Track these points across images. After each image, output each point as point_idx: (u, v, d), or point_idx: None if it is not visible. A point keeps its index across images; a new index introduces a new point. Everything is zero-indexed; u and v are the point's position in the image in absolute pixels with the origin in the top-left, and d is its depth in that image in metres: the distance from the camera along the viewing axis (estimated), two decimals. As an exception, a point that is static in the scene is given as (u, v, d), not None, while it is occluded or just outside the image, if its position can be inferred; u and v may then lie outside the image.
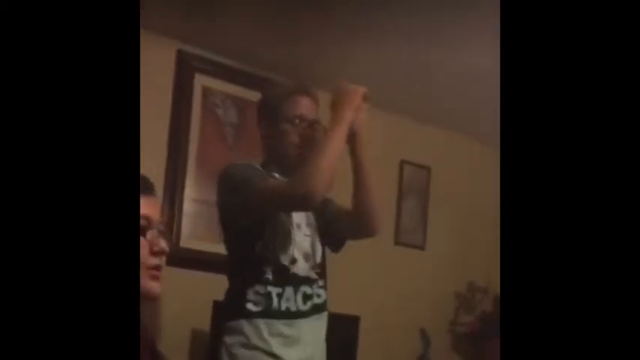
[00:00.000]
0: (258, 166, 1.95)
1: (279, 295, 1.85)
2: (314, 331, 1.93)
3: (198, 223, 3.01)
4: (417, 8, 2.57)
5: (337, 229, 2.01)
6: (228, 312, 1.89)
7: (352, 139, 1.89)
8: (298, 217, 1.94)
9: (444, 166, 3.75)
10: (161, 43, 2.95)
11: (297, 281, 1.89)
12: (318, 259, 1.98)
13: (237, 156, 3.13)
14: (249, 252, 1.87)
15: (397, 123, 3.60)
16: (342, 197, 1.98)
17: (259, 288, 1.84)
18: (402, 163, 3.67)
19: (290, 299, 1.86)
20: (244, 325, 1.83)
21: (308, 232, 1.96)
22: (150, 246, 1.15)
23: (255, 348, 1.82)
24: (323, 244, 2.01)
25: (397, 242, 3.65)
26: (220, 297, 1.96)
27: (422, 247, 3.72)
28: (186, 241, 2.99)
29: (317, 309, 1.93)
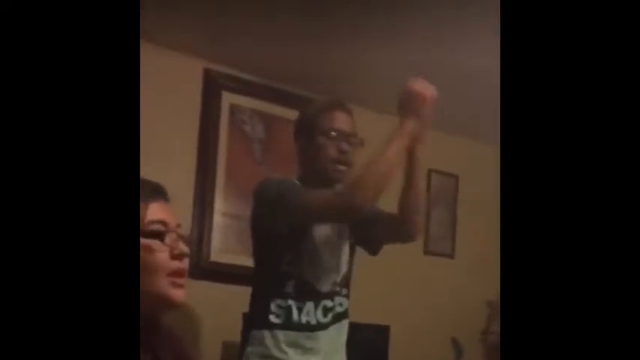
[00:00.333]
0: (295, 180, 1.96)
1: (300, 309, 1.87)
2: (333, 341, 1.95)
3: (227, 237, 3.06)
4: (442, 10, 2.57)
5: (376, 232, 2.01)
6: (252, 322, 1.93)
7: (413, 142, 1.89)
8: (327, 229, 1.95)
9: (471, 174, 3.74)
10: (188, 63, 3.02)
11: (319, 296, 1.91)
12: (344, 271, 1.99)
13: (266, 170, 3.18)
14: (276, 266, 1.89)
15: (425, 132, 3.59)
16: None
17: (281, 301, 1.86)
18: (430, 172, 3.67)
19: (310, 313, 1.88)
20: (266, 335, 1.86)
21: (336, 245, 1.97)
22: (170, 250, 1.14)
23: (274, 358, 1.84)
24: (353, 252, 2.02)
25: (426, 251, 3.64)
26: (250, 309, 1.99)
27: (451, 256, 3.71)
28: (217, 255, 3.04)
29: (338, 318, 1.95)
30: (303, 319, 1.87)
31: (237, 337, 2.48)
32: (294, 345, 1.86)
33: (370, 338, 2.91)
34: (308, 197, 1.83)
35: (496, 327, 3.67)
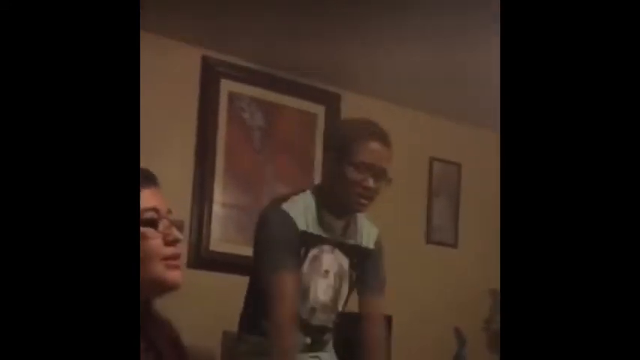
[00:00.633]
0: (307, 202, 1.90)
1: None
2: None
3: (227, 226, 3.03)
4: (442, 9, 2.55)
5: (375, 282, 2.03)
6: (245, 326, 1.97)
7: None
8: (329, 264, 1.93)
9: (475, 163, 3.71)
10: (186, 50, 2.98)
11: (307, 330, 1.93)
12: (340, 308, 2.00)
13: (265, 159, 3.15)
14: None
15: (426, 120, 3.57)
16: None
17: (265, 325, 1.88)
18: (432, 160, 3.64)
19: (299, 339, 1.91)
20: (258, 341, 1.90)
21: (334, 281, 1.96)
22: (163, 237, 1.14)
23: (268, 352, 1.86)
24: (351, 289, 2.02)
25: (429, 241, 3.61)
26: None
27: (454, 245, 3.68)
28: (216, 244, 3.01)
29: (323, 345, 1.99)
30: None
31: (237, 327, 2.47)
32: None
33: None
34: (271, 282, 1.83)
35: (499, 316, 3.65)
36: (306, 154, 3.23)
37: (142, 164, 1.12)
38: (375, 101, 3.32)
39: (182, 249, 1.22)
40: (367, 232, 2.01)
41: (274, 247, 1.84)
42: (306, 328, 1.91)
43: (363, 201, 1.85)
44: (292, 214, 1.84)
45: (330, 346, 2.02)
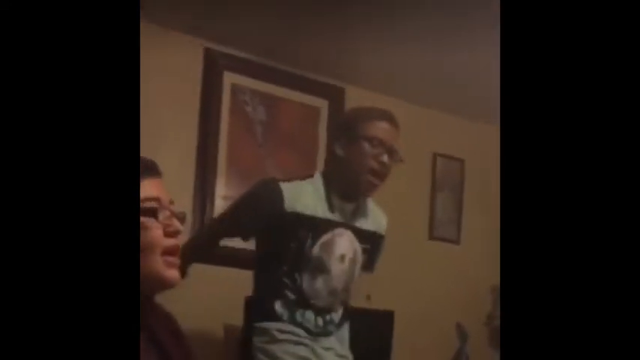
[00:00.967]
0: (314, 181, 1.91)
1: (302, 315, 1.89)
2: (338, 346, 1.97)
3: (229, 220, 3.02)
4: (445, 4, 2.53)
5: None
6: (257, 314, 1.93)
7: None
8: (345, 247, 1.91)
9: (478, 158, 3.69)
10: (188, 43, 2.96)
11: (316, 309, 1.92)
12: (349, 291, 2.00)
13: (267, 153, 3.13)
14: (275, 272, 1.89)
15: (429, 115, 3.55)
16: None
17: (283, 301, 1.88)
18: (435, 156, 3.62)
19: (310, 321, 1.89)
20: (272, 326, 1.88)
21: (348, 266, 1.94)
22: (164, 227, 1.12)
23: (284, 341, 1.84)
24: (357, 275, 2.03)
25: (432, 237, 3.60)
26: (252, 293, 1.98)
27: (457, 242, 3.67)
28: (218, 238, 2.99)
29: (337, 325, 1.98)
30: (305, 323, 1.88)
31: (239, 321, 2.46)
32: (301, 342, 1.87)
33: (375, 323, 2.88)
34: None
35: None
36: (309, 148, 3.21)
37: (144, 155, 1.10)
38: (378, 96, 3.30)
39: (182, 241, 1.20)
40: (378, 217, 2.01)
41: (244, 211, 1.91)
42: (311, 306, 1.90)
43: (374, 180, 1.86)
44: (286, 194, 1.84)
45: (342, 332, 1.99)
